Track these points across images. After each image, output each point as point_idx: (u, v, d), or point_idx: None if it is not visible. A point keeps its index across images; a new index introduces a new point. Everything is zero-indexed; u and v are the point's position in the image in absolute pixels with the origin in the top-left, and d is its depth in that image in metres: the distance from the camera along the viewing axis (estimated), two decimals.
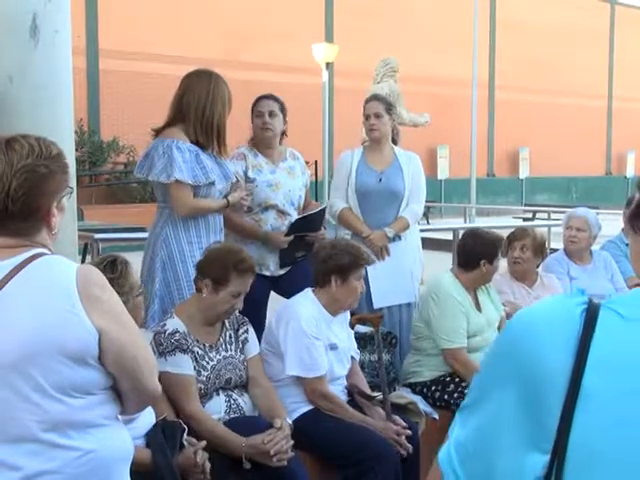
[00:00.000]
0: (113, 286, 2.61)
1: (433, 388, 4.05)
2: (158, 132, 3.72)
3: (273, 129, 4.17)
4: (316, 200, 10.04)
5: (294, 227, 4.13)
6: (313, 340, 3.39)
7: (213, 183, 3.69)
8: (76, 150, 3.43)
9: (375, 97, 4.75)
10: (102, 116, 17.42)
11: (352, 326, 3.67)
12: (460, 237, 4.27)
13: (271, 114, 4.15)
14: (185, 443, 2.81)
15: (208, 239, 3.70)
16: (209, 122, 3.67)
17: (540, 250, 4.55)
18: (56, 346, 1.81)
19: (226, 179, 3.79)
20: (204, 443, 2.85)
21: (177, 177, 3.58)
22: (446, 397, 3.99)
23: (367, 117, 4.53)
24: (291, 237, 4.10)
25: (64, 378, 1.84)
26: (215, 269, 3.18)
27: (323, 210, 4.35)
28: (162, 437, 2.73)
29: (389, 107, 4.55)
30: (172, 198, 3.65)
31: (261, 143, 4.22)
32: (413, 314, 4.60)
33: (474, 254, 4.06)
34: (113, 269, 2.68)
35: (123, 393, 1.97)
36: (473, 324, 4.04)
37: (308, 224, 4.18)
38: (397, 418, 3.48)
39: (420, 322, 4.13)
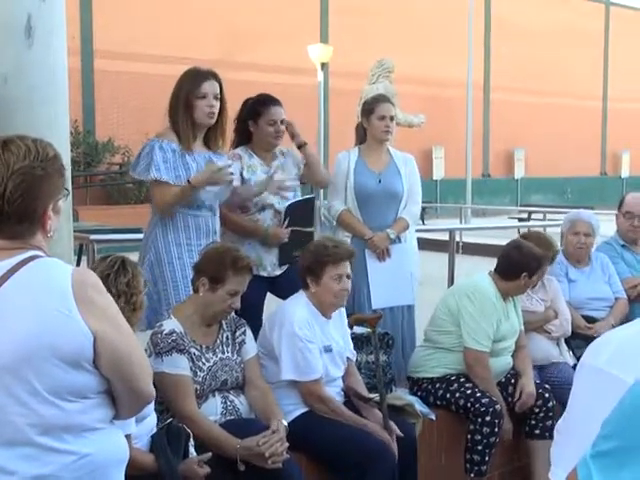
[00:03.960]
0: (129, 288, 2.63)
1: (437, 385, 4.06)
2: None
3: (282, 136, 4.23)
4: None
5: (288, 212, 4.13)
6: (306, 343, 3.37)
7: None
8: (71, 151, 3.43)
9: (386, 99, 4.75)
10: (97, 117, 17.40)
11: (351, 326, 3.66)
12: (506, 245, 4.25)
13: (282, 122, 4.18)
14: (192, 449, 2.80)
15: (199, 241, 3.71)
16: (177, 122, 3.70)
17: (554, 258, 4.57)
18: (51, 349, 1.80)
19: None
20: (209, 455, 2.83)
21: (154, 176, 3.62)
22: (448, 396, 4.00)
23: (382, 118, 4.53)
24: (290, 230, 4.11)
25: (59, 381, 1.82)
26: (212, 267, 3.18)
27: (312, 199, 4.37)
28: (166, 442, 2.72)
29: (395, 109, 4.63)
30: (151, 197, 3.72)
31: (262, 147, 4.23)
32: (414, 316, 4.62)
33: (518, 266, 4.06)
34: (125, 272, 2.69)
35: (118, 397, 1.96)
36: (500, 331, 4.05)
37: (301, 210, 4.18)
38: (392, 424, 3.47)
39: (446, 316, 4.10)
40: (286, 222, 4.12)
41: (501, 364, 4.11)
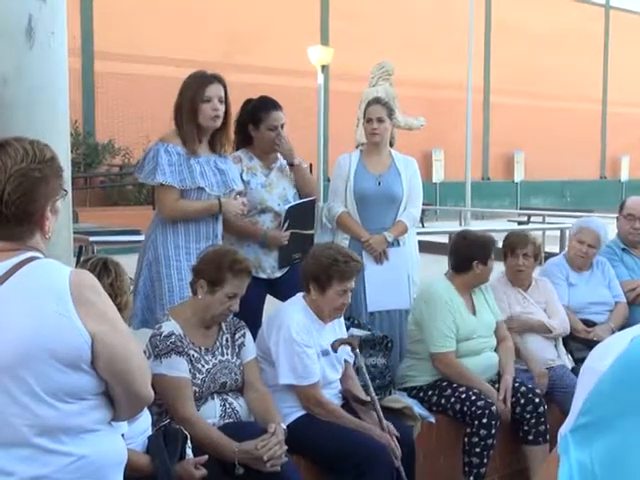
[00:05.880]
0: (113, 289, 2.62)
1: (430, 393, 4.04)
2: None
3: (283, 140, 4.22)
4: None
5: (288, 215, 4.12)
6: (304, 348, 3.36)
7: (203, 189, 3.70)
8: (71, 152, 3.43)
9: (378, 101, 4.75)
10: (97, 118, 17.40)
11: (335, 350, 3.53)
12: (452, 239, 4.25)
13: (282, 126, 4.19)
14: (189, 451, 2.79)
15: (198, 245, 3.72)
16: (182, 125, 3.72)
17: (538, 255, 4.56)
18: (48, 350, 1.80)
19: (225, 186, 3.80)
20: (206, 457, 2.83)
21: (159, 180, 3.65)
22: (443, 402, 3.98)
23: (369, 120, 4.54)
24: (289, 233, 4.10)
25: (57, 383, 1.82)
26: (210, 270, 3.18)
27: (312, 201, 4.36)
28: (162, 443, 2.71)
29: (390, 112, 4.60)
30: (157, 200, 3.71)
31: (263, 150, 4.23)
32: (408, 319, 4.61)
33: (466, 256, 4.07)
34: (108, 273, 2.68)
35: (116, 398, 1.96)
36: (465, 327, 4.02)
37: (301, 212, 4.18)
38: (389, 425, 3.46)
39: (413, 325, 4.12)
40: (285, 225, 4.12)
41: (484, 362, 4.08)
